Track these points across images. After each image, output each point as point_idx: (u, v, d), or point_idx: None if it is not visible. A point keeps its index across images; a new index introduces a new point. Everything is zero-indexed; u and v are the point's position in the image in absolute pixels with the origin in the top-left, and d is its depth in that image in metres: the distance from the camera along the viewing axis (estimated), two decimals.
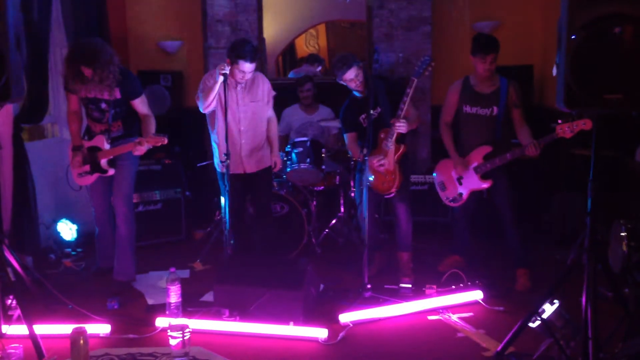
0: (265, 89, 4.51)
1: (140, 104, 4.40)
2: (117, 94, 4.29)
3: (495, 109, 4.39)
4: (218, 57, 6.49)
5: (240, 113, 4.43)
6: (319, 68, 7.06)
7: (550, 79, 6.07)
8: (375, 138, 4.34)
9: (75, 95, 4.38)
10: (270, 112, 4.60)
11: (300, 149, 5.19)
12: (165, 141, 4.17)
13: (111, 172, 4.36)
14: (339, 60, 4.39)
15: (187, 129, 6.55)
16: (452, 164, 4.57)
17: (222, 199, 4.55)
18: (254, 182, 4.59)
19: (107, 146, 4.32)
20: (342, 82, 4.45)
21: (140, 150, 4.19)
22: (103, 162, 4.33)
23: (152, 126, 4.33)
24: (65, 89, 4.40)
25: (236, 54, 4.22)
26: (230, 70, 4.24)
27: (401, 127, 4.21)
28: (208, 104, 4.30)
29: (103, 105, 4.31)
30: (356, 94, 4.51)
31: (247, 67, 4.24)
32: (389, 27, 6.36)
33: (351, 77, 4.35)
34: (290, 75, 6.93)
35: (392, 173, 4.33)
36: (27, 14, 4.72)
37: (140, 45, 6.79)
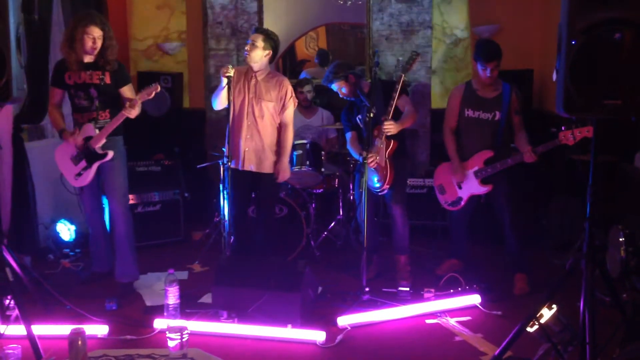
0: (283, 94, 4.47)
1: (129, 92, 4.33)
2: (108, 79, 4.22)
3: (497, 114, 4.40)
4: (218, 59, 6.50)
5: (248, 107, 4.44)
6: None
7: (549, 83, 6.08)
8: (371, 137, 4.36)
9: (61, 89, 4.29)
10: (285, 119, 4.52)
11: (300, 152, 5.19)
12: (158, 88, 4.13)
13: (110, 154, 4.24)
14: (325, 76, 4.60)
15: (187, 130, 6.56)
16: (451, 168, 4.58)
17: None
18: (259, 184, 4.55)
19: (96, 131, 4.22)
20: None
21: (134, 111, 4.13)
22: (98, 147, 4.21)
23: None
24: (51, 84, 4.33)
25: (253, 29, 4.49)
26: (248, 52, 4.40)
27: (389, 129, 4.24)
28: (218, 104, 4.44)
29: (92, 92, 4.22)
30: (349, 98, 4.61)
31: (251, 36, 4.38)
32: (389, 31, 6.38)
33: (336, 90, 4.56)
34: (302, 76, 6.91)
35: (384, 169, 4.34)
36: (28, 14, 4.73)
37: (140, 46, 6.80)
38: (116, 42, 4.27)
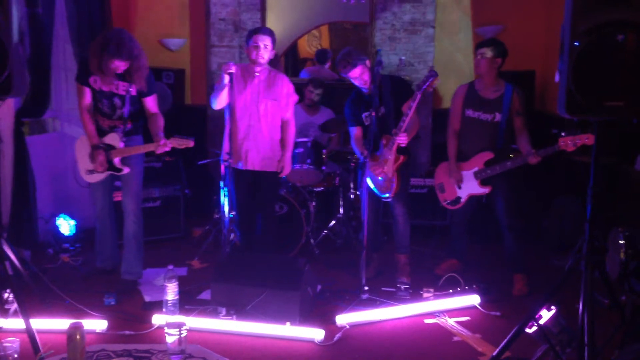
0: (285, 91, 4.47)
1: (153, 102, 4.33)
2: (134, 91, 4.22)
3: (497, 115, 4.39)
4: (221, 56, 6.50)
5: (252, 106, 4.41)
6: (328, 64, 7.06)
7: (551, 84, 6.08)
8: (378, 141, 4.34)
9: (89, 87, 4.22)
10: (287, 116, 4.53)
11: (301, 150, 5.19)
12: (192, 144, 4.16)
13: (126, 170, 4.27)
14: (343, 57, 4.35)
15: (188, 126, 6.53)
16: (449, 169, 4.58)
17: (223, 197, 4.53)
18: (260, 182, 4.53)
19: (121, 144, 4.25)
20: (345, 77, 4.44)
21: (163, 150, 4.15)
22: (117, 161, 4.24)
23: (162, 123, 4.27)
24: (78, 81, 4.24)
25: (252, 32, 4.32)
26: (248, 55, 4.35)
27: (402, 141, 4.22)
28: (218, 104, 4.36)
29: (116, 101, 4.22)
30: (362, 89, 4.48)
31: (261, 38, 4.26)
32: (392, 30, 6.37)
33: (355, 75, 4.33)
34: (302, 74, 6.89)
35: (390, 180, 4.32)
36: (32, 8, 4.73)
37: (142, 41, 6.69)
38: (145, 60, 4.19)
